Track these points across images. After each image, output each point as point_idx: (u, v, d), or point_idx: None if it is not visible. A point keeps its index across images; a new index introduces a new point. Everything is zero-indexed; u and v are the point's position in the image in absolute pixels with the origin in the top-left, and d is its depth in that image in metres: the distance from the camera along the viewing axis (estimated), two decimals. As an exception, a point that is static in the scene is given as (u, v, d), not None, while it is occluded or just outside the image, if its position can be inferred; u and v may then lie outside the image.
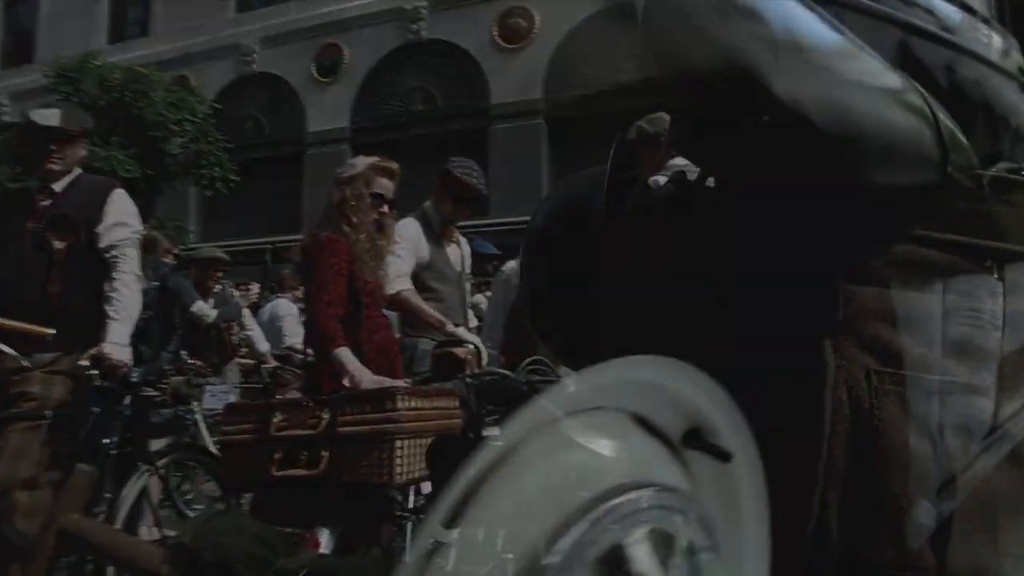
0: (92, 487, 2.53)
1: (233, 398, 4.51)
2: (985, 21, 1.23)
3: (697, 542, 0.59)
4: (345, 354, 2.58)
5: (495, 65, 13.20)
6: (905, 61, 0.90)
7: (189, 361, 4.20)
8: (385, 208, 2.90)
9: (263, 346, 5.83)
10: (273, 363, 5.60)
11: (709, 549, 0.61)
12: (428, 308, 3.19)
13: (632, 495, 0.56)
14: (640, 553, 0.55)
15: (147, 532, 2.92)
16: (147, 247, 3.84)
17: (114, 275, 2.90)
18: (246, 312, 6.00)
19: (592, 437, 0.58)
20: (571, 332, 1.03)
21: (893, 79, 0.82)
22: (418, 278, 3.29)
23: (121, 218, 2.98)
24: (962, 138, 0.96)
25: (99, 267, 2.91)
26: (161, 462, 3.09)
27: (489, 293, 4.77)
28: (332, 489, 2.03)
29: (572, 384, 0.55)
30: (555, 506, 0.53)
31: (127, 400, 2.79)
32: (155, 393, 2.97)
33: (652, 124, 2.79)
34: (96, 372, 2.71)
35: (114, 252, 2.92)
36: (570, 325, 1.01)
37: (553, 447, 0.55)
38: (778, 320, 0.75)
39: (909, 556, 0.92)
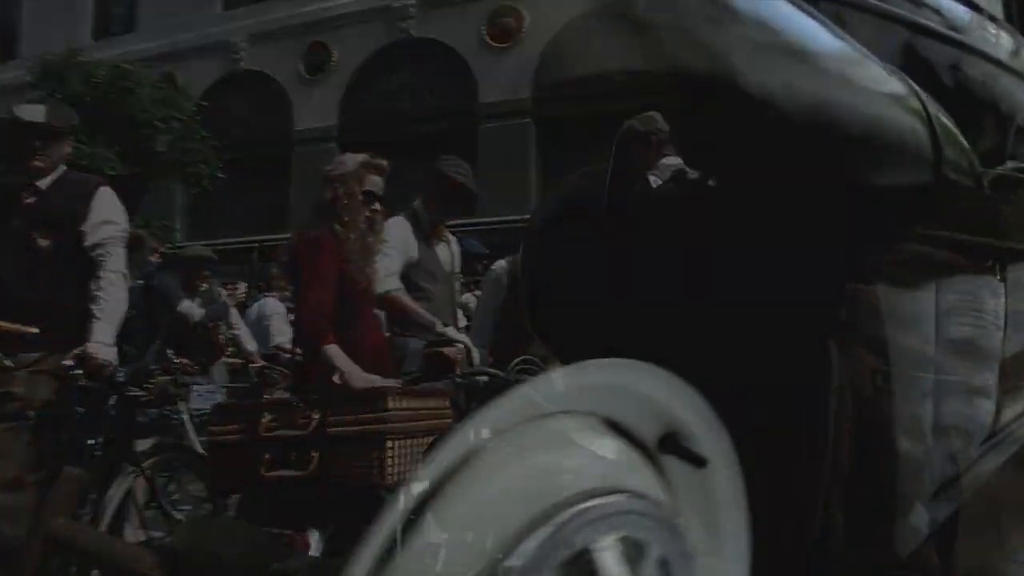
0: (80, 490, 2.49)
1: (220, 398, 4.48)
2: (993, 20, 1.22)
3: (669, 550, 0.58)
4: (335, 351, 2.56)
5: (484, 64, 13.18)
6: (911, 61, 0.89)
7: (175, 361, 4.16)
8: (376, 206, 2.88)
9: (250, 345, 5.79)
10: (260, 362, 5.56)
11: (682, 557, 0.59)
12: (418, 308, 3.17)
13: (601, 500, 0.55)
14: (609, 560, 0.54)
15: (133, 534, 2.89)
16: (133, 246, 3.80)
17: (100, 273, 2.86)
18: (233, 311, 5.96)
19: (561, 441, 0.57)
20: (572, 331, 1.01)
21: (886, 78, 0.80)
22: (407, 277, 3.27)
23: (107, 216, 2.94)
24: (960, 137, 0.95)
25: (85, 265, 2.88)
26: (147, 463, 3.06)
27: (478, 292, 4.76)
28: (322, 490, 2.01)
29: (541, 387, 0.53)
30: (520, 509, 0.52)
31: (112, 400, 2.75)
32: (141, 393, 2.94)
33: (644, 123, 2.78)
34: (81, 372, 2.67)
35: (100, 250, 2.89)
36: (571, 324, 1.00)
37: (520, 450, 0.54)
38: (783, 320, 0.74)
39: (912, 556, 0.91)
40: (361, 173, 2.84)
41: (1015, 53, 0.97)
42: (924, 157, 0.81)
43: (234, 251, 12.03)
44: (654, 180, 1.08)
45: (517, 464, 0.54)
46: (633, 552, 0.57)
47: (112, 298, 2.85)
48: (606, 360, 0.56)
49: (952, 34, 0.97)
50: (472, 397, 2.27)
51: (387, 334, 3.25)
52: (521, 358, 2.25)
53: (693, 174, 1.00)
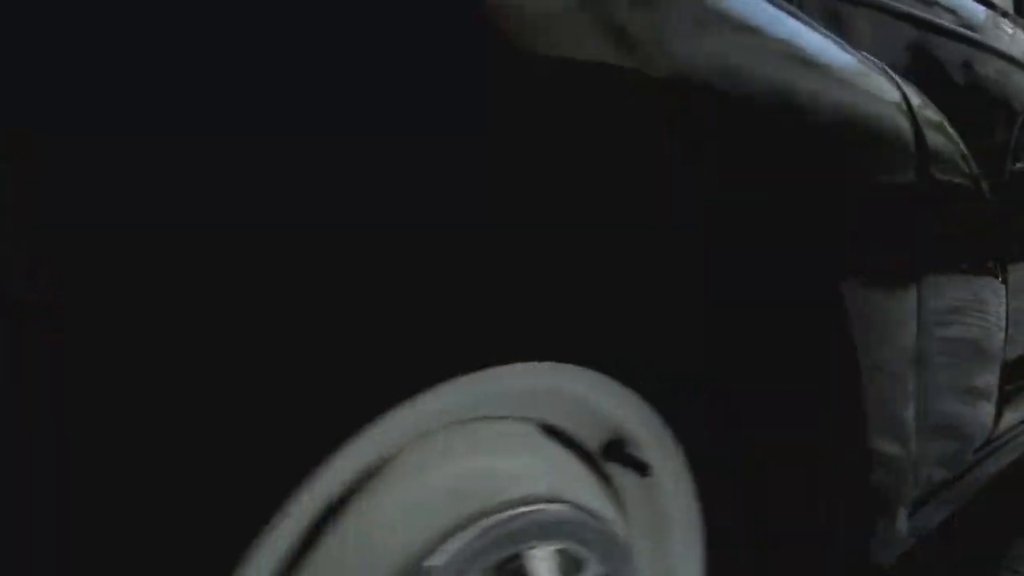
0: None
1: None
2: (1006, 15, 1.19)
3: (612, 568, 0.56)
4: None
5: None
6: (923, 58, 0.86)
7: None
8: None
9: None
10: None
11: (622, 572, 0.57)
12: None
13: (536, 508, 0.53)
14: (542, 570, 0.52)
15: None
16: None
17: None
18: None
19: (494, 445, 0.55)
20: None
21: (857, 65, 0.76)
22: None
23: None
24: (954, 135, 0.92)
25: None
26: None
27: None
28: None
29: (471, 390, 0.51)
30: (446, 511, 0.50)
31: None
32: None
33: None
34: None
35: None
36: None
37: (446, 453, 0.52)
38: (783, 320, 0.71)
39: (909, 557, 0.88)
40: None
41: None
42: (906, 154, 0.77)
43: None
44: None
45: (442, 467, 0.52)
46: (571, 567, 0.55)
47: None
48: (541, 364, 0.54)
49: (965, 31, 0.94)
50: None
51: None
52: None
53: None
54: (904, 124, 0.76)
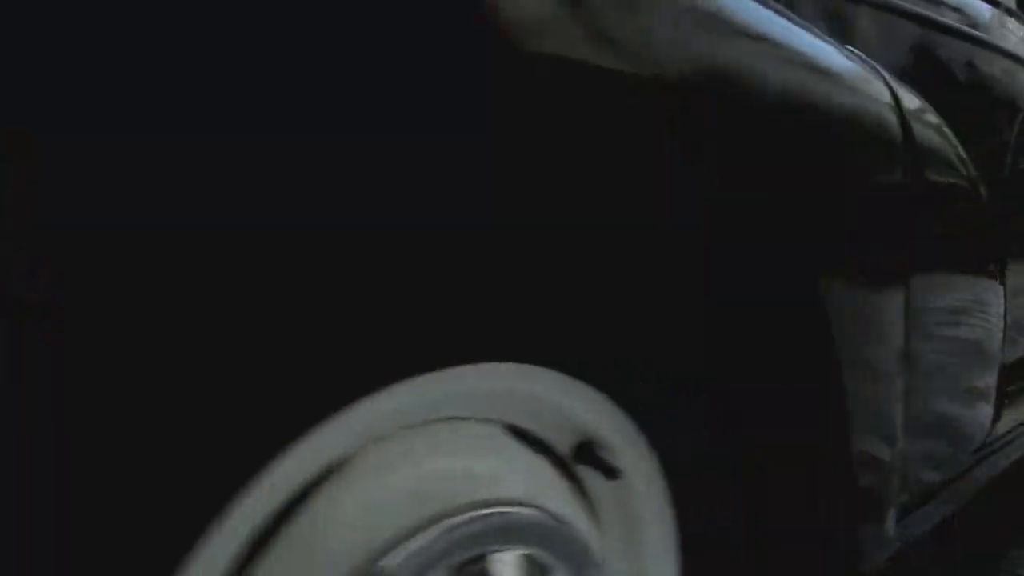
0: None
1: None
2: (1011, 14, 1.17)
3: (574, 571, 0.55)
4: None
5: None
6: (927, 57, 0.85)
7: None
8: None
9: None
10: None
11: None
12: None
13: (499, 510, 0.52)
14: (505, 574, 0.51)
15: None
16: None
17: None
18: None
19: (456, 447, 0.54)
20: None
21: (840, 57, 0.75)
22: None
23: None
24: (949, 135, 0.90)
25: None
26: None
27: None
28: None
29: (431, 390, 0.50)
30: (402, 512, 0.50)
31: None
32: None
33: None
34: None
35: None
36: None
37: (406, 454, 0.51)
38: (783, 320, 0.70)
39: (908, 558, 0.87)
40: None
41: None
42: (893, 152, 0.76)
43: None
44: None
45: (402, 467, 0.51)
46: (536, 572, 0.55)
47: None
48: (504, 365, 0.53)
49: (969, 30, 0.93)
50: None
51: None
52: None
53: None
54: (892, 122, 0.74)
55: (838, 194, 0.68)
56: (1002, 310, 1.08)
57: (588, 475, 0.63)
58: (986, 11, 1.26)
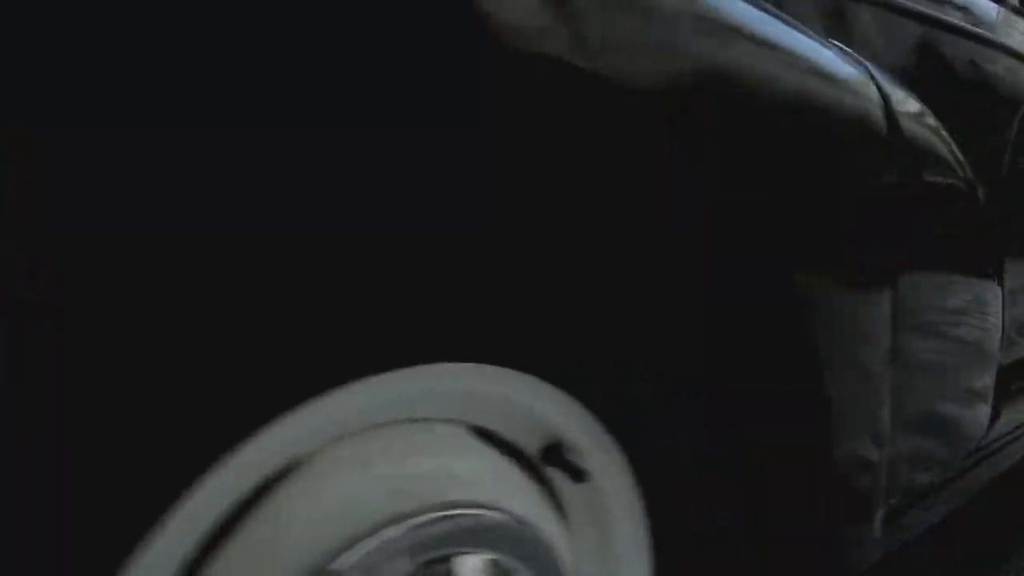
0: None
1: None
2: (1018, 12, 1.15)
3: (537, 574, 0.55)
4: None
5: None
6: (930, 55, 0.83)
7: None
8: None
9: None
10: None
11: None
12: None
13: (461, 512, 0.52)
14: None
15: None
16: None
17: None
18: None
19: (414, 448, 0.54)
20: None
21: (823, 51, 0.73)
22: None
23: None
24: (945, 135, 0.89)
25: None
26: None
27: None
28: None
29: (389, 390, 0.50)
30: (358, 514, 0.49)
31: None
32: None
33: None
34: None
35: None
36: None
37: (364, 456, 0.51)
38: (782, 320, 0.70)
39: (907, 559, 0.87)
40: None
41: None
42: (877, 150, 0.74)
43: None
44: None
45: (359, 468, 0.51)
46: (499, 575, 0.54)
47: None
48: (469, 365, 0.53)
49: (973, 29, 0.92)
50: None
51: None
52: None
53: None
54: (878, 118, 0.73)
55: (820, 192, 0.68)
56: (1000, 310, 1.07)
57: (557, 477, 0.62)
58: (992, 10, 1.24)
